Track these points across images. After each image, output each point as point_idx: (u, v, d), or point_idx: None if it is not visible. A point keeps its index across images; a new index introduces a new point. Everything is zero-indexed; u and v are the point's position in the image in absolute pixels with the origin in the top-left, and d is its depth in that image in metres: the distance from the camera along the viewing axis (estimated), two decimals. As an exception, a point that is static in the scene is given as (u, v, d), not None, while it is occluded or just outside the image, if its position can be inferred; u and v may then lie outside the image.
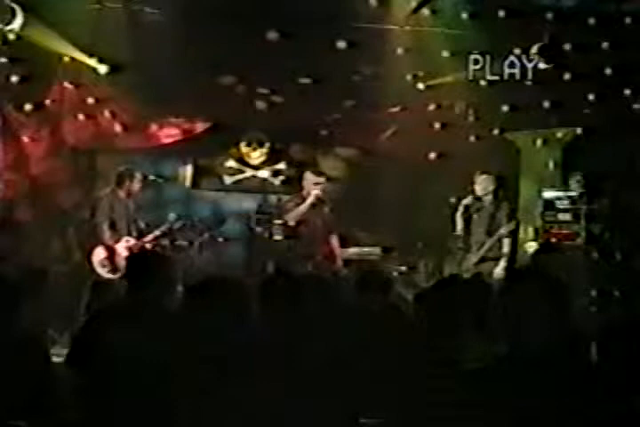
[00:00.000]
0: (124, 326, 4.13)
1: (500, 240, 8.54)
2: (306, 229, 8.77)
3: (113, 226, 8.76)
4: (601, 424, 3.23)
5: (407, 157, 9.57)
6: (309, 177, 8.90)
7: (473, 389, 3.44)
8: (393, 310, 5.35)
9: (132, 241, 8.75)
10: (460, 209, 8.61)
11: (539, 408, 3.23)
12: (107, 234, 8.73)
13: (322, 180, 8.85)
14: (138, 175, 8.94)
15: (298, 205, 8.74)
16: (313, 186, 8.77)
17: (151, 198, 9.48)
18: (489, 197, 8.67)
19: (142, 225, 8.92)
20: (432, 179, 9.51)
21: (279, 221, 8.97)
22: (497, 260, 8.50)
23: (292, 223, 8.82)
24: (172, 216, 9.00)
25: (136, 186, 8.90)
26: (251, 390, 3.68)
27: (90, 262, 8.71)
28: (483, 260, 8.51)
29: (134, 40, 9.06)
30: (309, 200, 8.73)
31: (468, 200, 8.60)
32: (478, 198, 8.65)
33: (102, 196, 8.96)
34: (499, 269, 8.42)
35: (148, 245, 8.79)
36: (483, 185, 8.64)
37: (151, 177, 9.20)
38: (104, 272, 8.65)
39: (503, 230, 8.51)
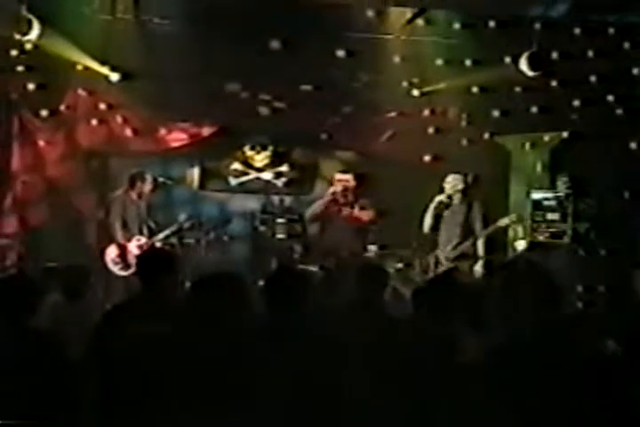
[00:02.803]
0: (138, 321, 4.27)
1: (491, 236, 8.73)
2: (332, 226, 8.92)
3: (125, 225, 8.96)
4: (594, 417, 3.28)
5: (403, 159, 9.65)
6: (336, 175, 9.06)
7: (468, 383, 3.50)
8: (391, 304, 5.52)
9: (143, 240, 8.95)
10: (432, 207, 8.77)
11: (534, 401, 3.27)
12: (119, 233, 8.94)
13: (344, 177, 8.93)
14: (148, 177, 9.12)
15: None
16: (337, 183, 8.94)
17: (161, 199, 9.59)
18: (458, 196, 8.81)
19: (153, 225, 9.08)
20: (426, 180, 9.41)
21: (282, 220, 9.17)
22: (472, 257, 8.64)
23: (307, 218, 9.04)
24: (182, 217, 9.16)
25: (147, 187, 9.10)
26: (253, 379, 3.74)
27: (103, 260, 8.91)
28: (460, 256, 8.66)
29: (144, 49, 9.13)
30: (326, 197, 8.93)
31: (439, 198, 8.74)
32: (449, 197, 8.78)
33: (115, 197, 9.15)
34: (478, 267, 8.61)
35: (157, 244, 8.94)
36: (451, 184, 8.79)
37: (161, 179, 9.35)
38: (116, 269, 8.86)
39: (501, 223, 8.65)
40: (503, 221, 8.69)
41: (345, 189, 8.91)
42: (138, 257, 5.79)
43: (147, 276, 4.75)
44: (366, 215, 8.94)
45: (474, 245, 8.73)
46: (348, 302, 5.32)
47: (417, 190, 9.31)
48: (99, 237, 9.32)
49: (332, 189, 8.96)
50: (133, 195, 9.12)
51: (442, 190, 8.86)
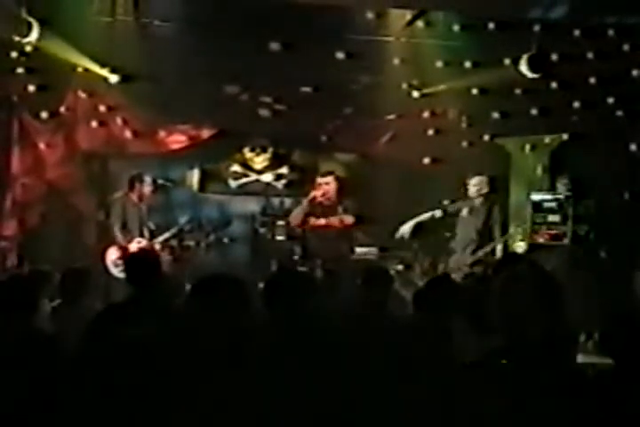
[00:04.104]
0: (135, 323, 4.27)
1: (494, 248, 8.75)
2: (322, 229, 8.90)
3: (125, 227, 8.95)
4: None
5: (403, 161, 9.69)
6: (317, 179, 9.05)
7: (470, 384, 3.40)
8: (391, 305, 5.45)
9: (144, 242, 8.92)
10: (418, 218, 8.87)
11: (534, 402, 3.19)
12: (119, 235, 8.93)
13: (324, 180, 8.94)
14: (148, 179, 9.11)
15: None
16: (318, 186, 8.95)
17: (161, 201, 9.56)
18: (480, 199, 8.87)
19: (153, 227, 9.07)
20: (426, 182, 9.63)
21: (282, 222, 9.16)
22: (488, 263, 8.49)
23: (293, 223, 8.99)
24: (182, 219, 9.20)
25: (147, 189, 9.08)
26: (253, 381, 3.67)
27: (103, 262, 8.88)
28: (476, 262, 8.65)
29: (144, 51, 9.18)
30: (305, 202, 8.93)
31: (436, 213, 8.87)
32: (470, 199, 8.86)
33: (115, 199, 9.17)
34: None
35: (157, 246, 8.94)
36: (477, 187, 8.86)
37: (160, 181, 9.33)
38: (116, 271, 8.77)
39: (495, 243, 8.71)
40: (511, 230, 8.81)
41: (325, 193, 8.92)
42: (124, 259, 5.72)
43: (146, 278, 4.83)
44: (349, 219, 8.92)
45: (493, 250, 8.78)
46: (350, 304, 5.39)
47: (416, 191, 9.41)
48: (98, 239, 9.37)
49: (311, 195, 8.96)
50: (134, 197, 9.11)
51: (466, 192, 8.95)
